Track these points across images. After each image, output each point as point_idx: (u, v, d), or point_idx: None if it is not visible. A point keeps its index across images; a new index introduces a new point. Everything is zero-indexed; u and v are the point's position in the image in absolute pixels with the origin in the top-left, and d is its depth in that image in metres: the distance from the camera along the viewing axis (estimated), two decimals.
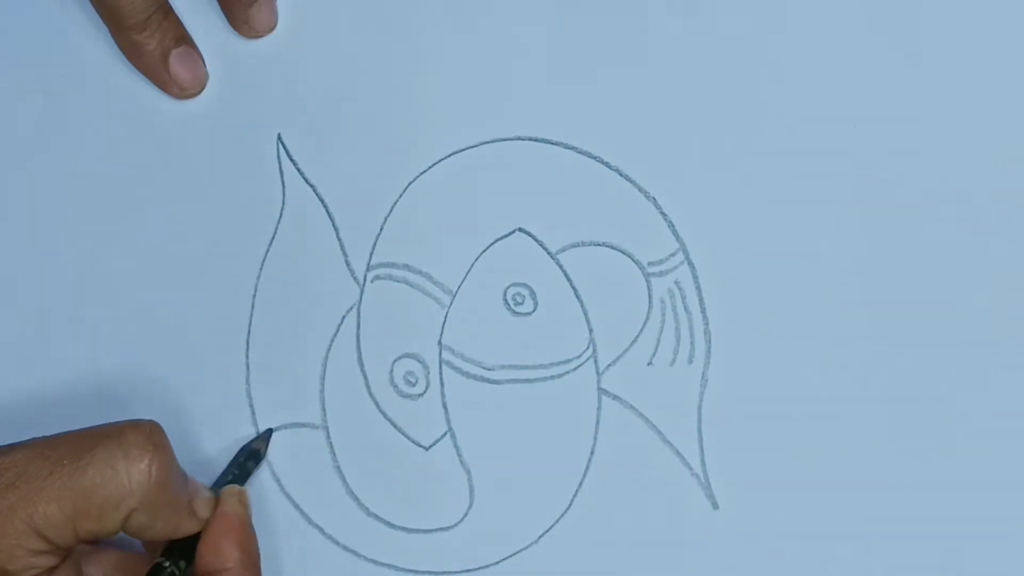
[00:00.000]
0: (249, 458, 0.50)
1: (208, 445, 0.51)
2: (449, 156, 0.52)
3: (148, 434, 0.44)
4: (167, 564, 0.46)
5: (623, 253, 0.52)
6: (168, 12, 0.52)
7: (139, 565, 0.48)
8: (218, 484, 0.49)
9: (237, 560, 0.46)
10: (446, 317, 0.51)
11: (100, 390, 0.51)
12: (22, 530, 0.43)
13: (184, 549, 0.46)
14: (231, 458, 0.50)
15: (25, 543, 0.43)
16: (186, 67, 0.52)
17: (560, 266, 0.51)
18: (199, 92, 0.52)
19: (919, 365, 0.51)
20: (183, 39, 0.52)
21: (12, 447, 0.44)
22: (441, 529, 0.51)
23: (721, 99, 0.52)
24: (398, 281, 0.52)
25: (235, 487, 0.48)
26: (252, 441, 0.50)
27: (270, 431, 0.51)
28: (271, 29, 0.53)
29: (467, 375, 0.51)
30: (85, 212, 0.52)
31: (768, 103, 0.52)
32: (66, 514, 0.43)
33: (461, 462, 0.51)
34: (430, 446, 0.51)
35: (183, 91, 0.52)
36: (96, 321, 0.52)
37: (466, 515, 0.51)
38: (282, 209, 0.52)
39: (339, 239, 0.52)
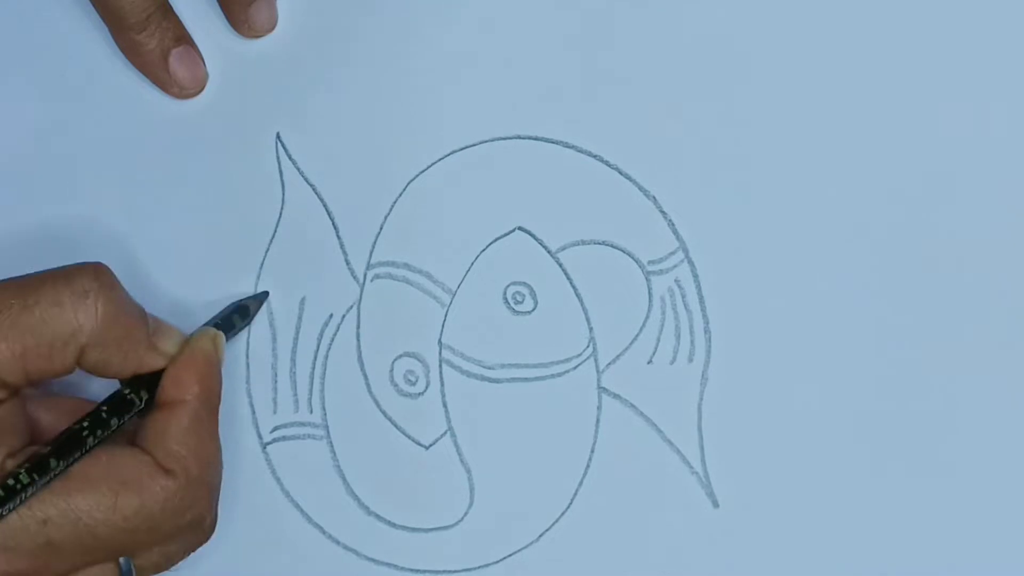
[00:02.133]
0: (236, 312, 0.50)
1: None
2: (449, 155, 0.52)
3: (95, 272, 0.44)
4: (127, 392, 0.46)
5: (623, 252, 0.52)
6: (168, 12, 0.52)
7: (79, 407, 0.47)
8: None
9: (196, 394, 0.46)
10: (446, 316, 0.51)
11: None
12: None
13: (147, 381, 0.46)
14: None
15: None
16: (186, 66, 0.52)
17: (560, 265, 0.51)
18: (199, 92, 0.52)
19: (920, 363, 0.51)
20: (183, 39, 0.52)
21: None
22: (441, 528, 0.51)
23: (722, 98, 0.52)
24: (398, 280, 0.52)
25: (210, 328, 0.48)
26: (246, 298, 0.50)
27: (266, 293, 0.51)
28: (271, 29, 0.52)
29: (467, 374, 0.51)
30: (84, 211, 0.52)
31: (769, 102, 0.52)
32: (14, 352, 0.43)
33: (461, 461, 0.51)
34: (430, 445, 0.51)
35: (183, 91, 0.52)
36: None
37: (466, 514, 0.51)
38: (281, 208, 0.52)
39: (339, 238, 0.52)
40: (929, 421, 0.50)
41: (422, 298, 0.51)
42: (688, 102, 0.52)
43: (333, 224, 0.52)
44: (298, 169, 0.52)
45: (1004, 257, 0.51)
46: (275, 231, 0.52)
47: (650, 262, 0.51)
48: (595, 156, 0.52)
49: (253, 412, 0.51)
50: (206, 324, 0.49)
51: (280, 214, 0.52)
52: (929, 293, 0.51)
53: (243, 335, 0.51)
